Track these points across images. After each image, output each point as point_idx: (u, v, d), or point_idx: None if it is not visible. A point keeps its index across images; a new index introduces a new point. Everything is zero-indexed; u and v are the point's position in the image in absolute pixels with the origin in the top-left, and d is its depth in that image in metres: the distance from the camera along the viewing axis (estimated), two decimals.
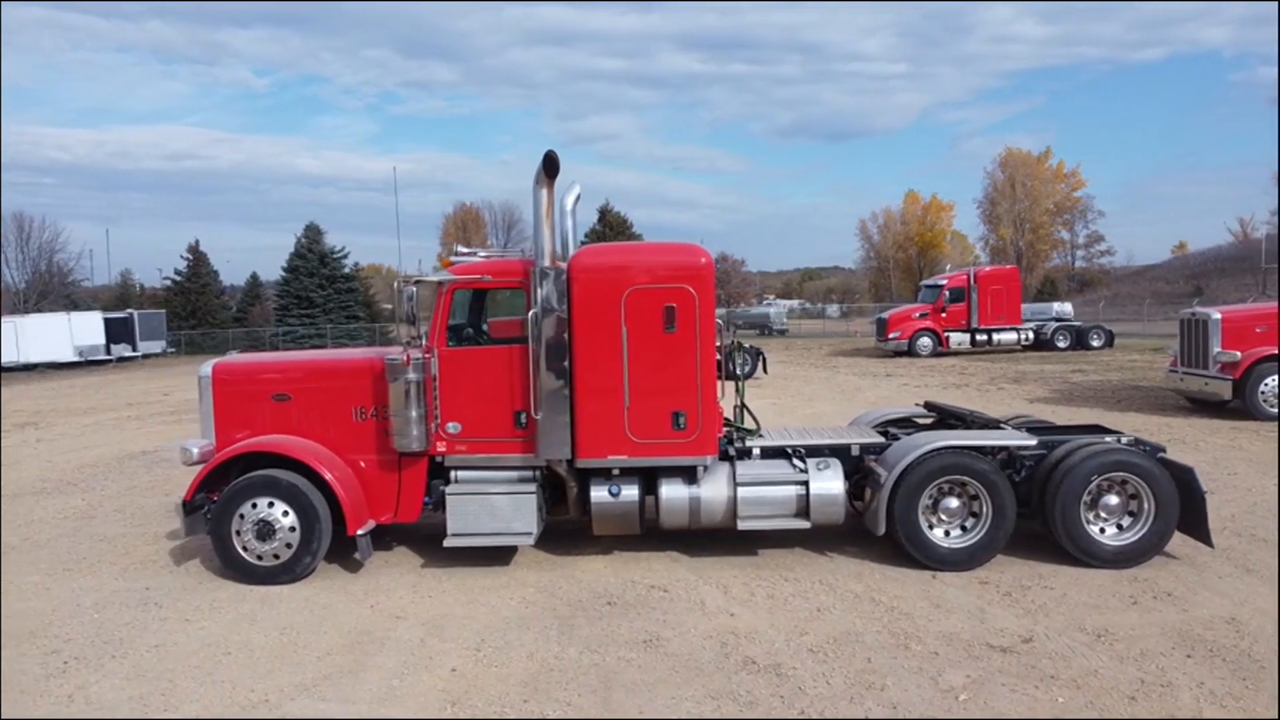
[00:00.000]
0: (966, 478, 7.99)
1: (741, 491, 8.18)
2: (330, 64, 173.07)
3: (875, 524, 8.07)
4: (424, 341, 8.23)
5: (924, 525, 8.00)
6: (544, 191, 8.00)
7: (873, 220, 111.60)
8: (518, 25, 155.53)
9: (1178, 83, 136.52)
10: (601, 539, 9.08)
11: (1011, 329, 34.19)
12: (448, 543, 8.22)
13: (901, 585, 7.69)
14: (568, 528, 9.33)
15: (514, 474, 8.42)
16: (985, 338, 33.99)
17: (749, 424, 9.09)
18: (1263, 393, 16.13)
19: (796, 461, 8.42)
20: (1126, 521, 8.05)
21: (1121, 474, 7.92)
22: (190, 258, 64.32)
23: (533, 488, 8.30)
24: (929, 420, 9.71)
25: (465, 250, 8.86)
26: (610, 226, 59.62)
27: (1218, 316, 16.71)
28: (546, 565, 8.51)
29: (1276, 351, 16.09)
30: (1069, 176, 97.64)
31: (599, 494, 8.25)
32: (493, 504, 8.26)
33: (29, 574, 8.78)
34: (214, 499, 8.37)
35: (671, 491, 8.25)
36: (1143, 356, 31.10)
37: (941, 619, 6.92)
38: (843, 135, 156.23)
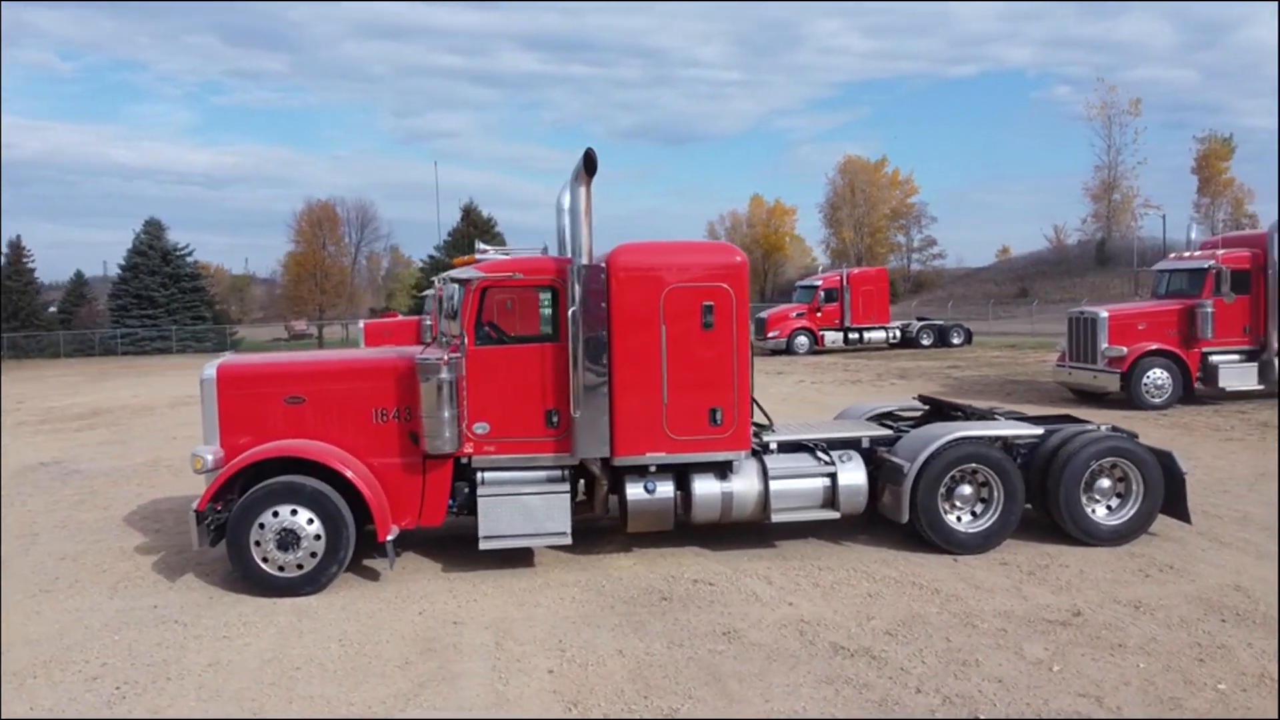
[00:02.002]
0: (981, 466, 8.49)
1: (774, 485, 8.41)
2: (147, 49, 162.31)
3: (898, 512, 8.45)
4: (464, 340, 8.02)
5: (943, 512, 8.45)
6: (582, 189, 7.98)
7: (720, 223, 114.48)
8: (352, 17, 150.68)
9: (988, 98, 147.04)
10: (614, 536, 9.13)
11: (881, 328, 35.95)
12: (483, 545, 8.07)
13: (931, 569, 8.10)
14: (578, 527, 9.29)
15: (543, 474, 8.35)
16: (857, 336, 35.60)
17: (759, 419, 9.31)
18: (1145, 385, 17.68)
19: (820, 454, 8.71)
20: (1115, 503, 8.74)
21: (1115, 459, 8.61)
22: (8, 254, 59.20)
23: (565, 487, 8.26)
24: (917, 413, 10.21)
25: (482, 248, 8.72)
26: (475, 225, 58.77)
27: (1105, 315, 18.19)
28: (574, 565, 8.47)
29: (1158, 347, 17.69)
30: (903, 183, 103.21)
31: (635, 491, 8.28)
32: (526, 505, 8.17)
33: (4, 595, 8.04)
34: (219, 508, 7.92)
35: (705, 487, 8.38)
36: (1002, 352, 33.33)
37: (987, 598, 7.36)
38: (682, 139, 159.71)
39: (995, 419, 9.45)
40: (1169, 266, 19.61)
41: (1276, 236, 17.71)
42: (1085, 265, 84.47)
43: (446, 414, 7.92)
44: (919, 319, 39.23)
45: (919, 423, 9.75)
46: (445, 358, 7.85)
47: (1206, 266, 17.98)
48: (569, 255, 8.20)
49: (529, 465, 8.32)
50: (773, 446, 8.83)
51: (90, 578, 8.55)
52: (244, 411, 8.20)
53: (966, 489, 8.56)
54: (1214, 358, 17.96)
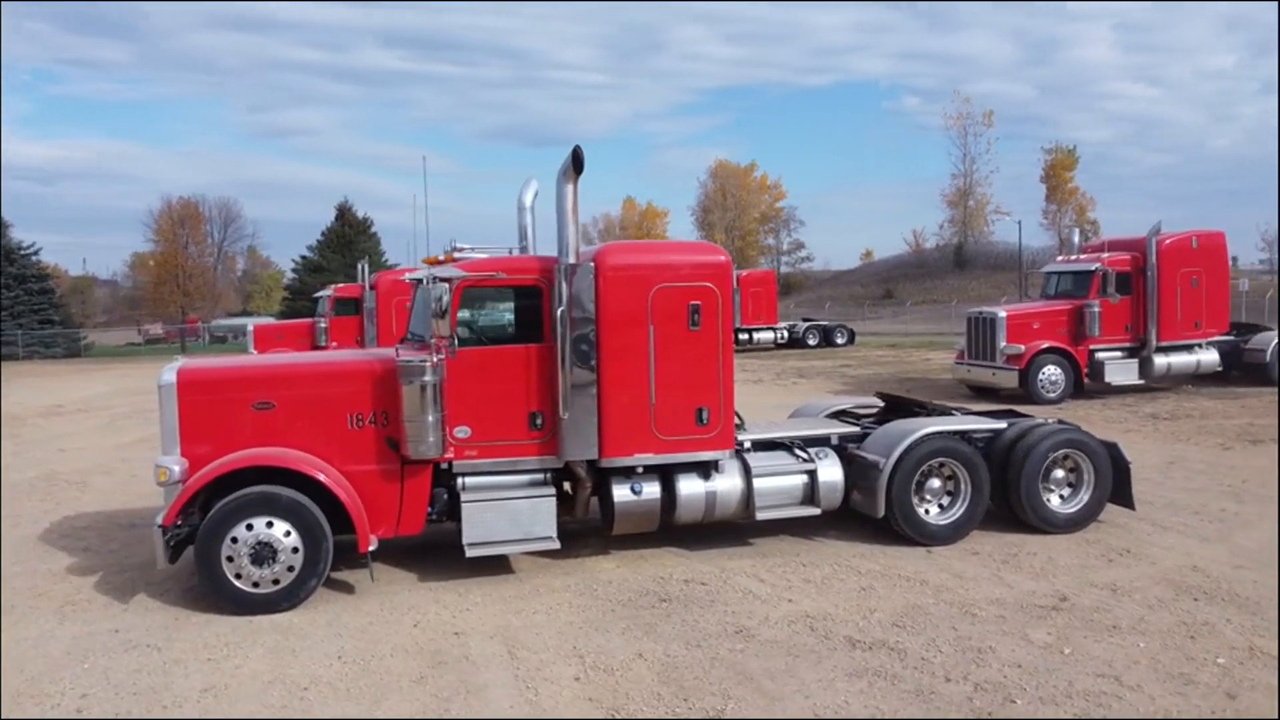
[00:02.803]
0: (950, 460, 8.79)
1: (758, 483, 8.48)
2: None
3: (873, 507, 8.65)
4: (450, 341, 7.74)
5: (915, 505, 8.70)
6: (570, 187, 7.85)
7: (594, 225, 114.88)
8: (202, 7, 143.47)
9: (844, 107, 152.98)
10: (588, 539, 9.03)
11: (769, 328, 36.80)
12: (470, 553, 7.83)
13: (910, 561, 8.32)
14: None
15: (526, 478, 8.17)
16: (746, 336, 36.28)
17: None
18: (1041, 381, 18.68)
19: (798, 452, 8.83)
20: (1067, 492, 9.20)
21: (1069, 450, 9.06)
22: None
23: (550, 490, 8.11)
24: (873, 410, 10.48)
25: (460, 246, 8.46)
26: (350, 225, 57.01)
27: (1004, 315, 19.14)
28: (556, 570, 8.31)
29: (1052, 344, 18.73)
30: (772, 188, 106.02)
31: (622, 493, 8.20)
32: (512, 510, 7.97)
33: None
34: (179, 523, 7.41)
35: (689, 487, 8.37)
36: (885, 351, 34.62)
37: (974, 587, 7.62)
38: (548, 141, 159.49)
39: (954, 414, 9.80)
40: (1057, 269, 20.78)
41: (1154, 241, 19.02)
42: (944, 268, 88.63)
43: (431, 418, 7.65)
44: (804, 320, 40.30)
45: (880, 419, 10.00)
46: (433, 360, 7.58)
47: (1093, 269, 19.14)
48: (532, 253, 8.05)
49: (512, 469, 8.13)
50: (747, 445, 8.89)
51: (27, 603, 7.85)
52: (207, 419, 7.70)
53: (936, 482, 8.84)
54: (1100, 354, 19.15)
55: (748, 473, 8.51)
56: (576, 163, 7.76)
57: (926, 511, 8.82)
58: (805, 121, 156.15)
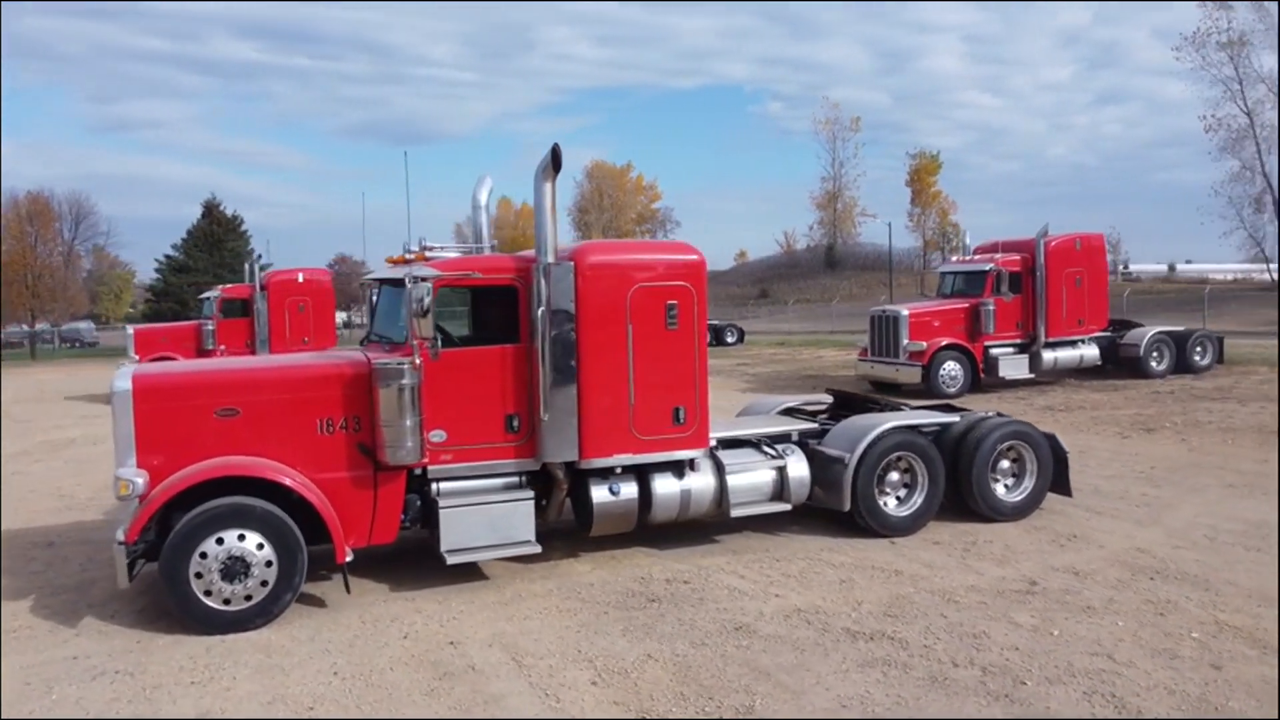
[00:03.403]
0: (908, 453, 9.08)
1: (731, 480, 8.55)
2: None
3: (839, 501, 8.86)
4: (434, 342, 7.50)
5: (877, 498, 8.96)
6: (548, 185, 7.75)
7: (468, 224, 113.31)
8: None
9: (711, 109, 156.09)
10: (555, 542, 8.90)
11: None
12: (450, 560, 7.63)
13: (876, 552, 8.56)
14: None
15: (502, 481, 8.03)
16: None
17: None
18: (942, 376, 19.49)
19: (766, 449, 8.95)
20: (1011, 482, 9.64)
21: (1014, 441, 9.50)
22: None
23: (529, 494, 7.98)
24: (822, 407, 10.72)
25: (430, 244, 8.22)
26: (218, 224, 54.46)
27: (906, 313, 19.88)
28: (531, 574, 8.18)
29: (951, 341, 19.57)
30: (648, 189, 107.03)
31: (601, 494, 8.14)
32: (490, 514, 7.81)
33: None
34: (134, 541, 6.96)
35: (665, 486, 8.37)
36: (777, 350, 35.43)
37: (948, 575, 7.90)
38: (415, 138, 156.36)
39: (903, 409, 10.13)
40: (952, 269, 21.73)
41: (1042, 243, 20.12)
42: (816, 268, 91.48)
43: (409, 422, 7.41)
44: None
45: (830, 415, 10.24)
46: (415, 361, 7.35)
47: (987, 269, 20.10)
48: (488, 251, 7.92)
49: (487, 473, 7.97)
50: (714, 443, 8.96)
51: None
52: (167, 427, 7.24)
53: (894, 475, 9.12)
54: (994, 350, 20.12)
55: (720, 470, 8.58)
56: (556, 161, 7.66)
57: (886, 504, 9.09)
58: (675, 123, 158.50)
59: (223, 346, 23.91)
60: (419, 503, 7.87)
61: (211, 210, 55.37)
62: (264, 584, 7.01)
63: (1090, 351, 20.89)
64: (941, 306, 20.45)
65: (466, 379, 7.80)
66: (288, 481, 7.13)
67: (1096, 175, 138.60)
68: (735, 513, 8.59)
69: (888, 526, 8.96)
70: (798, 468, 8.87)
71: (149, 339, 23.79)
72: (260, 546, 6.99)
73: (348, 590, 7.44)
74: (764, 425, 9.58)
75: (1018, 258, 20.35)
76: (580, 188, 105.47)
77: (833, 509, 9.03)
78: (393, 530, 7.75)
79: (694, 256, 8.39)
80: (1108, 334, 21.36)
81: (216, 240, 52.89)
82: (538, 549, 7.91)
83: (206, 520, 6.88)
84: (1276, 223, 47.80)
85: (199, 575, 6.87)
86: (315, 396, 7.56)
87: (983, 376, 20.10)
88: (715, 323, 39.77)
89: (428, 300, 7.25)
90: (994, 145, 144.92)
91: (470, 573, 8.15)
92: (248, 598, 6.98)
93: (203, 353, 23.73)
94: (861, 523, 8.94)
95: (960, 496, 9.43)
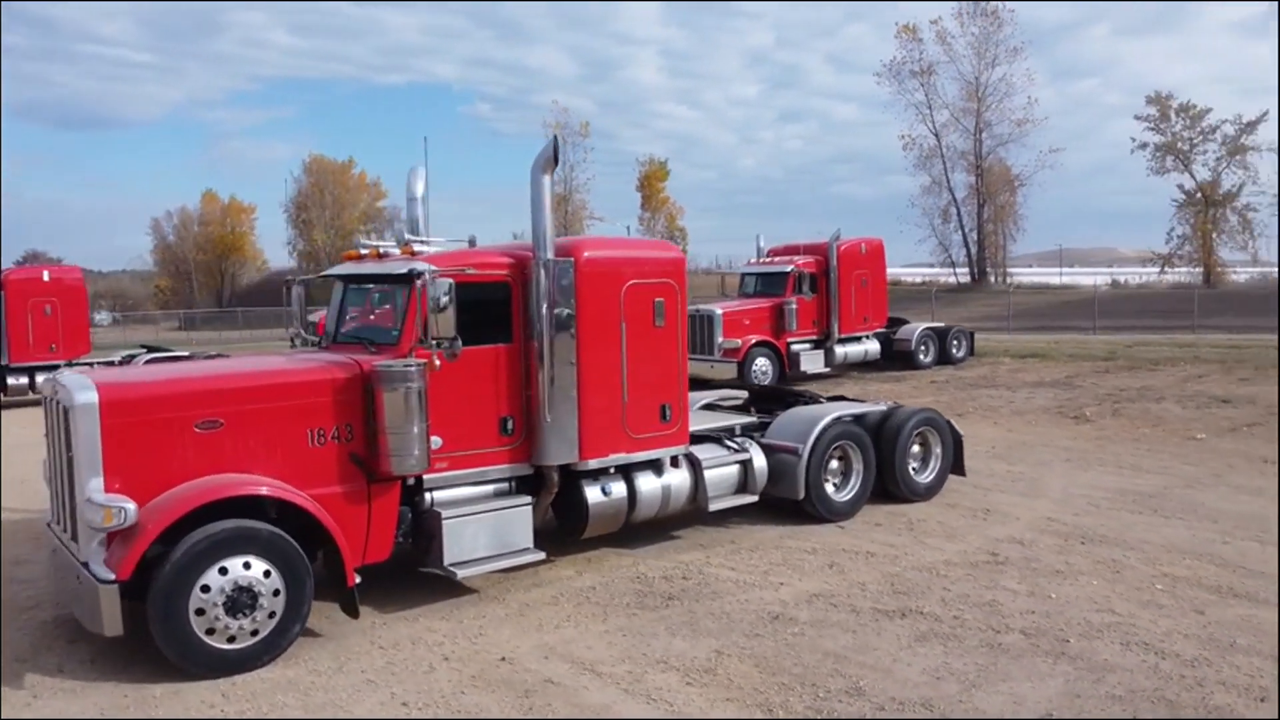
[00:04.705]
0: (847, 442, 9.63)
1: (709, 474, 8.66)
2: None
3: (794, 490, 9.22)
4: (452, 342, 6.97)
5: (826, 485, 9.44)
6: (546, 179, 7.51)
7: (167, 220, 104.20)
8: None
9: (421, 107, 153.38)
10: None
11: None
12: (461, 575, 7.17)
13: (835, 537, 9.01)
14: None
15: (492, 488, 7.66)
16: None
17: None
18: (754, 372, 20.57)
19: (729, 443, 9.14)
20: (918, 465, 10.49)
21: (924, 428, 10.34)
22: None
23: (526, 499, 7.67)
24: (738, 401, 11.06)
25: (410, 238, 7.66)
26: None
27: (720, 312, 20.76)
28: (517, 583, 7.83)
29: (761, 338, 20.72)
30: (372, 186, 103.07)
31: (594, 494, 7.97)
32: (492, 523, 7.44)
33: None
34: (128, 578, 5.99)
35: (647, 484, 8.34)
36: None
37: (916, 553, 8.49)
38: (86, 123, 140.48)
39: (820, 400, 10.70)
40: (753, 270, 22.94)
41: (834, 246, 21.79)
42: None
43: (416, 428, 6.89)
44: None
45: (762, 410, 10.59)
46: (434, 363, 6.84)
47: (788, 270, 21.46)
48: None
49: (481, 479, 7.58)
50: None
51: None
52: (140, 444, 6.26)
53: (834, 463, 9.64)
54: (795, 346, 21.52)
55: (694, 466, 8.67)
56: (555, 153, 7.43)
57: (829, 491, 9.58)
58: (383, 119, 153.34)
59: None
60: (410, 515, 7.33)
61: None
62: (271, 615, 6.26)
63: (873, 346, 22.88)
64: (749, 306, 21.55)
65: (460, 381, 7.36)
66: (300, 500, 6.40)
67: (782, 186, 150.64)
68: (712, 507, 8.72)
69: (834, 512, 9.46)
70: (759, 460, 9.15)
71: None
72: (267, 574, 6.23)
73: (355, 615, 6.77)
74: (715, 420, 9.77)
75: (813, 260, 21.88)
76: (299, 184, 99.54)
77: (784, 498, 9.37)
78: (388, 545, 7.16)
79: (677, 254, 8.44)
80: (885, 330, 23.49)
81: None
82: (542, 556, 7.62)
83: (209, 547, 6.04)
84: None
85: (200, 612, 6.01)
86: (305, 404, 6.83)
87: (787, 371, 21.42)
88: None
89: (445, 298, 6.78)
90: (691, 154, 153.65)
91: (450, 587, 7.67)
92: (254, 633, 6.21)
93: None
94: (811, 510, 9.36)
95: (881, 480, 10.12)
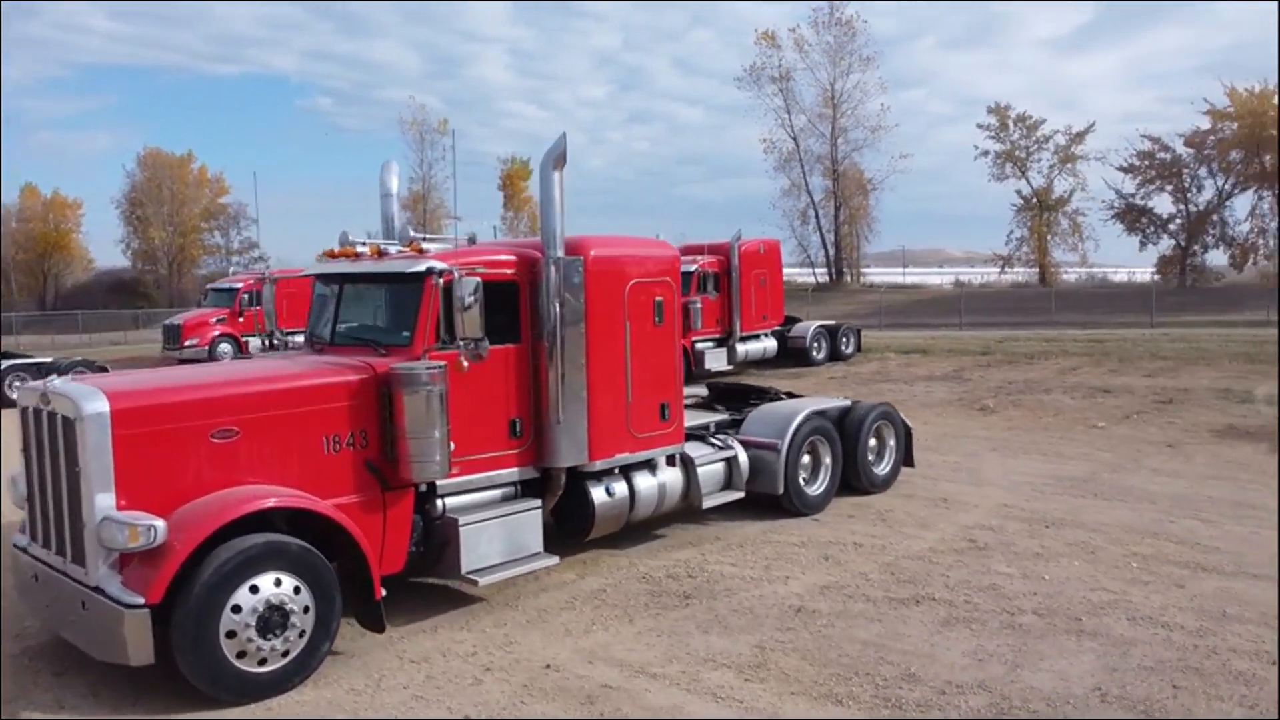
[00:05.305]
0: (818, 436, 9.87)
1: (702, 471, 8.70)
2: None
3: (774, 485, 9.38)
4: (478, 343, 6.73)
5: (801, 480, 9.64)
6: (557, 175, 7.38)
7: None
8: None
9: (256, 100, 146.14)
10: None
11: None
12: (483, 582, 6.97)
13: (817, 530, 9.22)
14: None
15: (500, 492, 7.48)
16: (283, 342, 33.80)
17: None
18: None
19: (713, 440, 9.20)
20: (873, 457, 10.85)
21: (882, 421, 10.71)
22: None
23: (536, 502, 7.52)
24: (698, 399, 11.13)
25: (415, 235, 7.37)
26: None
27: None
28: (522, 587, 7.65)
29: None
30: (214, 182, 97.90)
31: (600, 495, 7.89)
32: (505, 528, 7.26)
33: None
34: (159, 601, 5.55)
35: (645, 483, 8.31)
36: None
37: (899, 542, 8.77)
38: None
39: (783, 396, 10.91)
40: None
41: (736, 246, 22.22)
42: None
43: (438, 433, 6.64)
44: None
45: (724, 407, 10.70)
46: (440, 366, 6.60)
47: (693, 270, 21.72)
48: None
49: (490, 484, 7.39)
50: None
51: None
52: (156, 456, 5.80)
53: (805, 458, 9.86)
54: (699, 345, 21.83)
55: (688, 464, 8.70)
56: (565, 150, 7.33)
57: (803, 484, 9.79)
58: (215, 112, 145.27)
59: None
60: (421, 523, 7.07)
61: None
62: (301, 634, 5.91)
63: (771, 344, 23.48)
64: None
65: (470, 383, 7.13)
66: (330, 512, 6.08)
67: (631, 188, 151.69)
68: (708, 503, 8.77)
69: (808, 505, 9.67)
70: (742, 457, 9.26)
71: None
72: (297, 590, 5.89)
73: (380, 630, 6.45)
74: (690, 418, 9.79)
75: (715, 260, 22.25)
76: (133, 178, 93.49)
77: (762, 494, 9.50)
78: (402, 557, 6.88)
79: (674, 253, 8.45)
80: (781, 328, 24.13)
81: None
82: (555, 560, 7.49)
83: (239, 565, 5.65)
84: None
85: (231, 634, 5.62)
86: (321, 410, 6.48)
87: (693, 369, 21.68)
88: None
89: (471, 298, 6.57)
90: (542, 154, 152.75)
91: (454, 596, 7.49)
92: (285, 653, 5.85)
93: None
94: (788, 504, 9.54)
95: (843, 473, 10.40)
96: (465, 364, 6.76)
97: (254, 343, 32.83)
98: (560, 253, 7.36)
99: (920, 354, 25.33)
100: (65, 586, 5.90)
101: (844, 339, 25.17)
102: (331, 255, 7.73)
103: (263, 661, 5.74)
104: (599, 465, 7.80)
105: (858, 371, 22.78)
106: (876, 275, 75.38)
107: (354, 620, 6.47)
